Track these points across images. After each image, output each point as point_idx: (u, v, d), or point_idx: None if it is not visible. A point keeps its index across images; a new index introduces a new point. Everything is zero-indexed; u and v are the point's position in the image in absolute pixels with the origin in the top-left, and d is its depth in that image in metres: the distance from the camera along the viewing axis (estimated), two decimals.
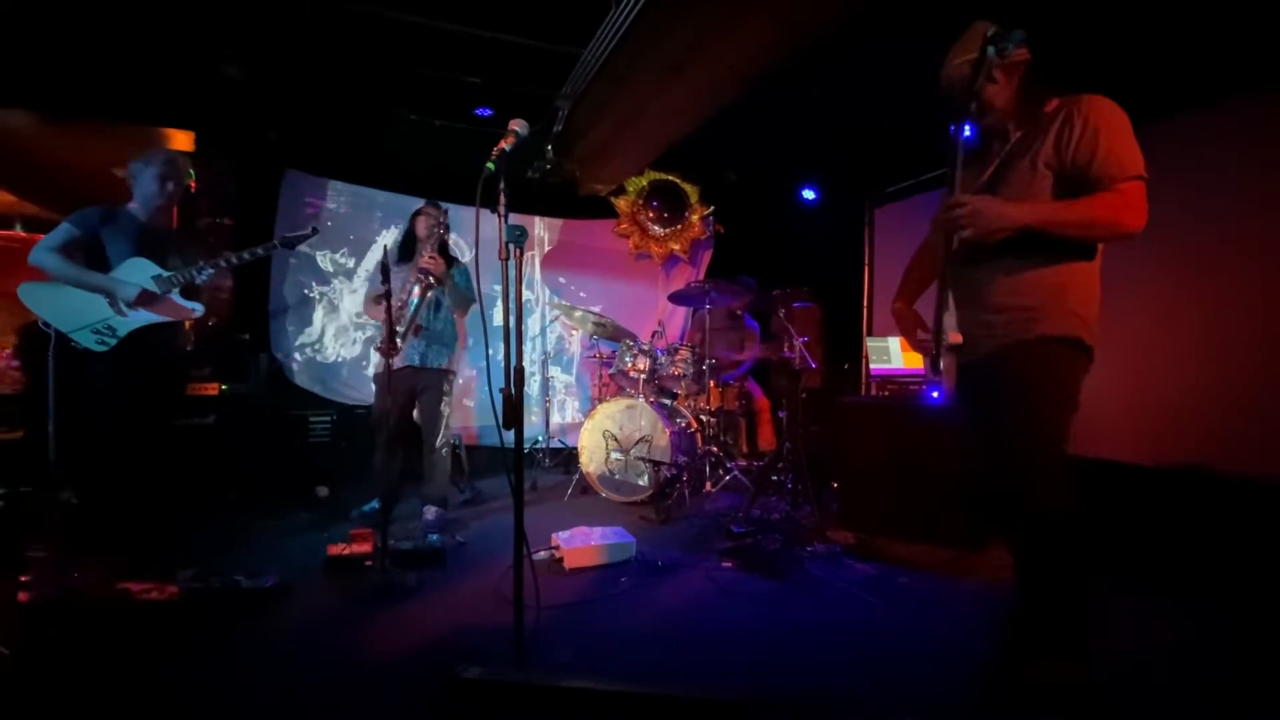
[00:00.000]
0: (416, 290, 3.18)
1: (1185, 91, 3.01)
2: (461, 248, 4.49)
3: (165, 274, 2.57)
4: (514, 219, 1.76)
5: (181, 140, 4.38)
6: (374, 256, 4.82)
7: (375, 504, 3.43)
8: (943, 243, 1.61)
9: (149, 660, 1.88)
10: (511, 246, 1.71)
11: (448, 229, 3.43)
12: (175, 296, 2.62)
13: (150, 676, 1.80)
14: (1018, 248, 1.52)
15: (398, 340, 2.93)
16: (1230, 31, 2.75)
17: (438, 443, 3.39)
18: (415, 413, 3.47)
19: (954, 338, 1.56)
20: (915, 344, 1.84)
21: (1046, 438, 1.53)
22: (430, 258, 3.15)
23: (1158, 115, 2.96)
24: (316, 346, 4.72)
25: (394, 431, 3.38)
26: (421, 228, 3.38)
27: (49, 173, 5.17)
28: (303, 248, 4.14)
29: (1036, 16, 1.60)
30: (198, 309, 2.69)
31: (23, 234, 6.32)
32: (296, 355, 4.59)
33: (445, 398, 3.42)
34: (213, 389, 3.66)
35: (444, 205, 3.46)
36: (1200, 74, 2.95)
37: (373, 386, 4.71)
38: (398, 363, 3.21)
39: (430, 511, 3.33)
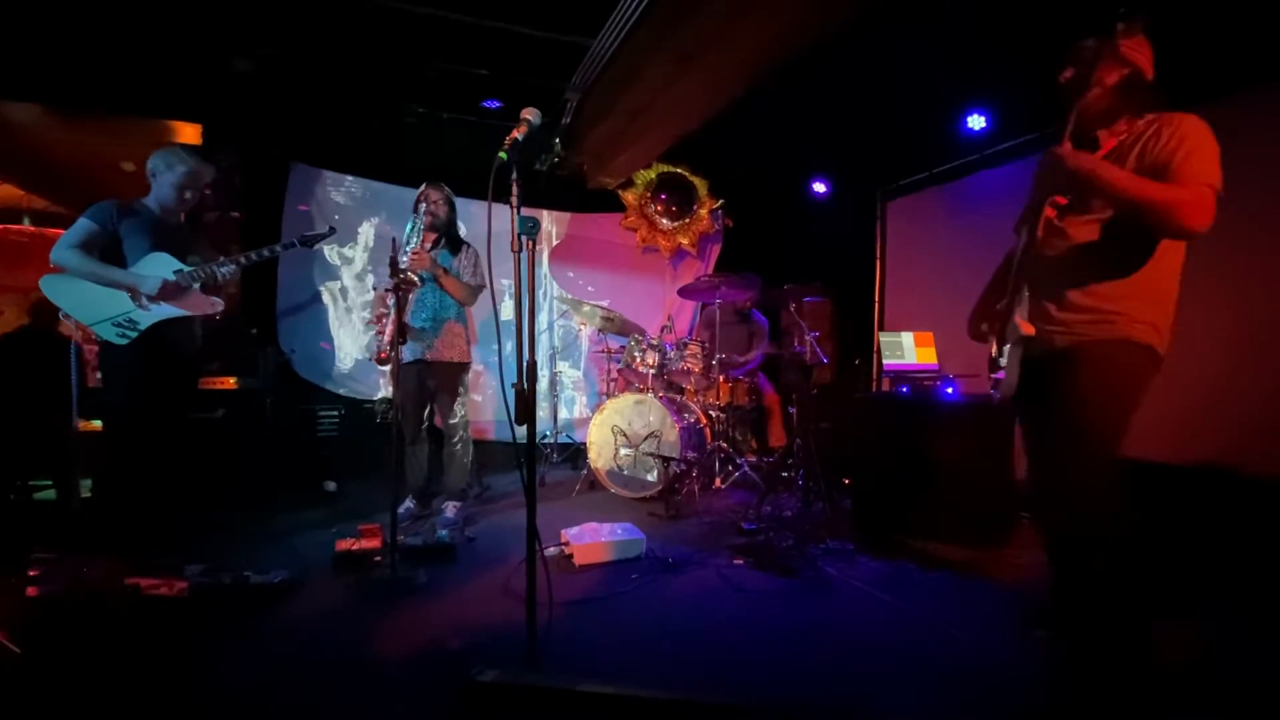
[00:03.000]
0: (392, 298, 2.76)
1: (1222, 78, 2.88)
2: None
3: (186, 268, 2.56)
4: (523, 211, 1.73)
5: (188, 133, 4.37)
6: (382, 250, 4.80)
7: (410, 503, 3.37)
8: (1025, 235, 1.60)
9: (157, 657, 1.87)
10: (524, 238, 1.68)
11: (444, 210, 3.25)
12: (197, 291, 2.61)
13: (158, 673, 1.79)
14: (1103, 251, 1.53)
15: (384, 346, 2.85)
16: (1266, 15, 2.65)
17: (453, 436, 3.33)
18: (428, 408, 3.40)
19: (1026, 329, 1.55)
20: (974, 333, 1.83)
21: (1097, 438, 1.53)
22: (415, 254, 2.98)
23: (1193, 103, 2.86)
24: (324, 341, 4.70)
25: (414, 426, 3.34)
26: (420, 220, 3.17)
27: (57, 166, 5.17)
28: None
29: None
30: (219, 304, 2.68)
31: (31, 228, 6.35)
32: (304, 350, 4.58)
33: (458, 391, 3.33)
34: (228, 383, 3.64)
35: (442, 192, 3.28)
36: (1236, 60, 2.85)
37: (380, 381, 4.74)
38: (406, 357, 3.15)
39: (450, 508, 3.30)
